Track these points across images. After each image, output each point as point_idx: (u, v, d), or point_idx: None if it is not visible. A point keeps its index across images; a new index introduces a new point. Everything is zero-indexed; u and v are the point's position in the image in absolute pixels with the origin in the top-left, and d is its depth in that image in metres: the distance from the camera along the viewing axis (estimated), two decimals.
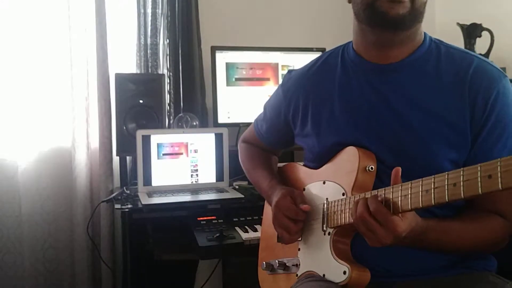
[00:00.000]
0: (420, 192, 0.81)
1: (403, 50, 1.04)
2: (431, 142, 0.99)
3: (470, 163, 0.96)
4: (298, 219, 1.09)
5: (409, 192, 0.84)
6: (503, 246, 1.03)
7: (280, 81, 2.20)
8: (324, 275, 1.03)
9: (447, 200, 0.77)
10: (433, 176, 0.80)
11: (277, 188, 1.18)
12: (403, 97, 1.03)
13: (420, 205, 0.82)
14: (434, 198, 0.79)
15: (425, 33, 1.07)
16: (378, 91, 1.05)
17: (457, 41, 2.11)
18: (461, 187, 0.74)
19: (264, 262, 1.22)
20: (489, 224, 1.00)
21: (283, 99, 1.24)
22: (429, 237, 0.94)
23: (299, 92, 1.19)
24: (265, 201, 1.32)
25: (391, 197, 0.87)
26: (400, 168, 0.89)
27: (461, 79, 1.00)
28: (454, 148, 0.99)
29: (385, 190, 0.89)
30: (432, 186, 0.79)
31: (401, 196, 0.85)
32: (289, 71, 1.28)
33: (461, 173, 0.75)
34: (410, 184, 0.84)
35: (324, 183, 1.11)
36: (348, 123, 1.08)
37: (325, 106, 1.13)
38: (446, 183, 0.77)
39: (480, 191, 0.72)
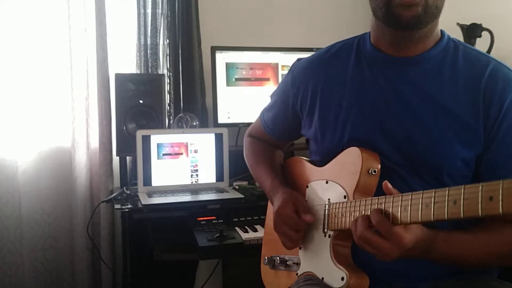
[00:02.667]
0: (420, 205, 0.79)
1: (420, 46, 1.02)
2: (441, 138, 0.98)
3: (487, 165, 0.97)
4: (298, 229, 1.08)
5: (409, 204, 0.81)
6: None
7: (280, 81, 2.21)
8: (323, 278, 1.03)
9: (446, 218, 0.74)
10: (434, 190, 0.77)
11: (279, 190, 1.16)
12: (416, 91, 1.01)
13: (419, 219, 0.79)
14: (433, 214, 0.76)
15: (444, 31, 1.06)
16: (391, 83, 1.03)
17: None
18: (461, 206, 0.71)
19: (266, 257, 1.22)
20: (504, 234, 0.94)
21: (290, 87, 1.21)
22: (439, 248, 0.91)
23: (308, 80, 1.16)
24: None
25: (391, 208, 0.85)
26: (387, 182, 0.87)
27: (477, 79, 0.98)
28: (465, 146, 0.97)
29: (385, 199, 0.87)
30: (432, 201, 0.77)
31: (400, 207, 0.83)
32: (298, 59, 1.25)
33: (462, 191, 0.72)
34: (410, 196, 0.82)
35: (327, 182, 1.09)
36: (358, 115, 1.06)
37: (335, 97, 1.10)
38: (446, 199, 0.74)
39: (480, 212, 0.68)
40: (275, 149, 1.38)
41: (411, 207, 0.80)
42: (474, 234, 0.95)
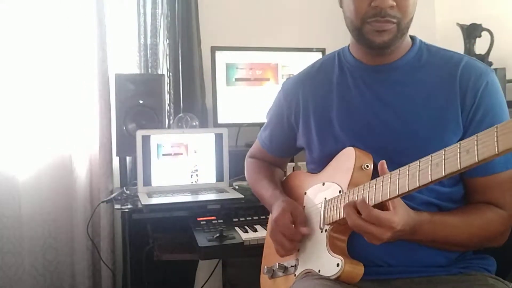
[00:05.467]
0: (407, 176, 0.84)
1: (395, 54, 1.09)
2: (424, 129, 1.03)
3: None
4: (294, 239, 1.09)
5: (397, 178, 0.86)
6: (504, 239, 1.04)
7: (280, 81, 2.22)
8: (319, 270, 1.04)
9: (430, 180, 0.79)
10: (418, 160, 0.83)
11: (279, 199, 1.18)
12: (395, 93, 1.08)
13: (407, 189, 0.84)
14: (419, 180, 0.81)
15: (414, 37, 1.13)
16: (372, 88, 1.10)
17: (457, 41, 2.11)
18: (443, 165, 0.77)
19: (265, 267, 1.24)
20: (485, 215, 1.01)
21: (284, 102, 1.27)
22: (423, 229, 0.96)
23: (299, 93, 1.22)
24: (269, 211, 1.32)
25: (381, 186, 0.90)
26: (384, 161, 0.92)
27: (452, 73, 1.05)
28: (447, 132, 1.03)
29: (376, 180, 0.92)
30: (418, 169, 0.82)
31: (390, 183, 0.88)
32: (287, 79, 1.33)
33: (443, 153, 0.78)
34: (398, 171, 0.87)
35: (323, 184, 1.13)
36: (346, 121, 1.12)
37: (323, 105, 1.16)
38: (429, 163, 0.80)
39: (459, 166, 0.74)
40: (275, 168, 1.41)
41: (399, 180, 0.86)
42: (456, 216, 1.02)
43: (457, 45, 2.08)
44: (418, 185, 0.81)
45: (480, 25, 2.09)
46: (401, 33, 1.03)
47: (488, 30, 2.07)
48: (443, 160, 0.77)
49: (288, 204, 1.14)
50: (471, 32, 2.10)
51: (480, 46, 2.09)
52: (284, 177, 1.40)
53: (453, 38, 2.11)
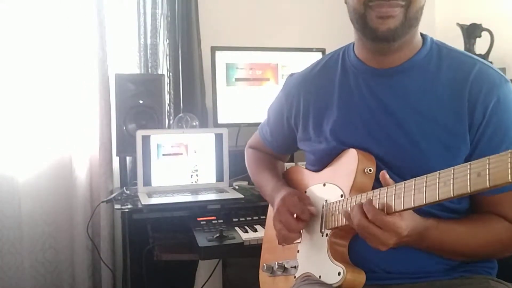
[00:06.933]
0: (413, 191, 0.81)
1: (402, 54, 1.03)
2: (428, 147, 0.99)
3: None
4: (301, 218, 1.07)
5: (402, 192, 0.84)
6: (510, 253, 1.01)
7: (280, 81, 2.22)
8: (320, 276, 1.03)
9: (437, 199, 0.76)
10: (425, 175, 0.80)
11: (283, 188, 1.18)
12: (400, 101, 1.02)
13: (412, 204, 0.81)
14: (425, 198, 0.79)
15: (426, 35, 1.07)
16: (375, 94, 1.05)
17: (457, 41, 2.11)
18: (451, 185, 0.74)
19: (264, 264, 1.23)
20: (493, 227, 0.98)
21: (284, 102, 1.24)
22: (430, 236, 0.94)
23: (300, 95, 1.19)
24: (269, 204, 1.31)
25: (385, 198, 0.87)
26: (385, 172, 0.89)
27: (461, 83, 0.98)
28: (452, 152, 0.98)
29: (380, 190, 0.89)
30: (424, 185, 0.79)
31: (394, 196, 0.85)
32: (291, 74, 1.28)
33: (452, 172, 0.74)
34: (403, 184, 0.84)
35: (324, 185, 1.11)
36: (347, 126, 1.08)
37: (326, 108, 1.13)
38: (437, 181, 0.77)
39: (469, 189, 0.71)
40: (276, 160, 1.40)
41: (404, 193, 0.83)
42: (463, 224, 0.98)
43: (457, 45, 2.05)
44: (424, 202, 0.79)
45: (480, 25, 2.09)
46: (408, 23, 0.95)
47: (488, 30, 2.07)
48: (451, 180, 0.74)
49: (294, 190, 1.14)
50: (471, 32, 2.11)
51: (480, 46, 2.09)
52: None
53: (453, 38, 2.11)
